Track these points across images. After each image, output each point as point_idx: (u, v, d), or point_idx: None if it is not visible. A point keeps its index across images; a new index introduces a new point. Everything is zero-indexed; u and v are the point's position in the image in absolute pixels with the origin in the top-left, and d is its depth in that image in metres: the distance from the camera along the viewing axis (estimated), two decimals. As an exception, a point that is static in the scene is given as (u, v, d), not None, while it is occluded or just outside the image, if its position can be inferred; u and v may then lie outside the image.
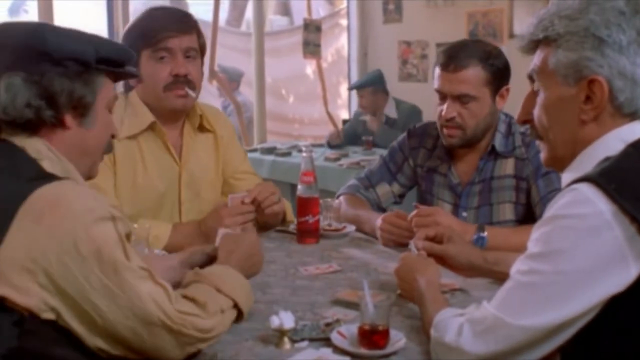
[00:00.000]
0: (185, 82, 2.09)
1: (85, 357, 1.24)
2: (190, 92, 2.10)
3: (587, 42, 1.21)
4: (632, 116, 1.22)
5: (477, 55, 2.12)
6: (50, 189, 1.23)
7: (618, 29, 1.20)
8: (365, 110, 5.43)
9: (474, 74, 2.11)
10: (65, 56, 1.32)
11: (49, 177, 1.26)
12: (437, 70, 2.17)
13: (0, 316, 1.18)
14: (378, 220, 2.13)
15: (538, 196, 2.10)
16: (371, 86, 5.33)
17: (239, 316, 1.40)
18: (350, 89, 5.67)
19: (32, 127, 1.32)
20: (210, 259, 1.61)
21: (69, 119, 1.34)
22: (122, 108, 2.12)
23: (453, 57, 2.12)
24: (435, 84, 2.18)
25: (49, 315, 1.20)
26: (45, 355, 1.21)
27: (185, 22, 2.13)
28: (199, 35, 2.16)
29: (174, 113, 2.15)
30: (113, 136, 1.48)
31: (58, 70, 1.31)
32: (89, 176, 1.43)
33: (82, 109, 1.35)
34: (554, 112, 1.28)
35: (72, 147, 1.36)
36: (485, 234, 1.98)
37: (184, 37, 2.09)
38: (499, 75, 2.14)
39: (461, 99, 2.12)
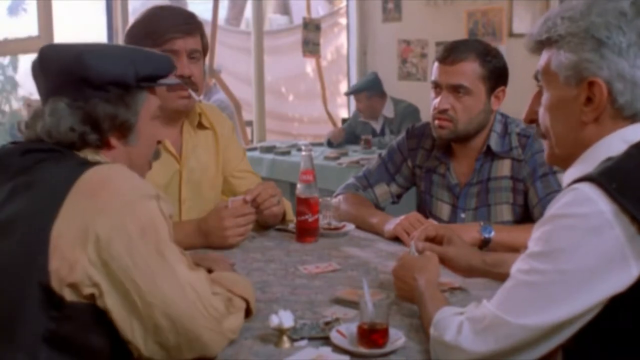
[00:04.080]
0: (188, 83, 2.09)
1: (117, 347, 1.26)
2: (193, 94, 2.11)
3: (587, 43, 1.21)
4: (632, 118, 1.22)
5: (476, 51, 2.14)
6: (101, 169, 1.30)
7: (618, 31, 1.19)
8: (362, 114, 5.43)
9: (470, 68, 2.13)
10: (107, 81, 1.35)
11: (98, 162, 1.33)
12: (435, 64, 2.20)
13: (43, 297, 1.20)
14: (390, 217, 2.17)
15: (536, 198, 2.10)
16: (365, 91, 5.34)
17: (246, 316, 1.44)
18: (346, 94, 5.68)
19: (77, 147, 1.37)
20: None
21: (113, 140, 1.39)
22: None
23: (451, 50, 2.15)
24: (432, 76, 2.21)
25: (91, 290, 1.22)
26: (79, 342, 1.24)
27: (190, 24, 2.12)
28: (202, 35, 2.16)
29: (176, 113, 2.15)
30: (159, 142, 1.53)
31: (100, 95, 1.35)
32: None
33: (125, 131, 1.40)
34: (556, 112, 1.29)
35: (119, 161, 1.40)
36: (488, 226, 2.02)
37: (189, 38, 2.09)
38: (496, 74, 2.15)
39: (456, 90, 2.13)
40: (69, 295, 1.21)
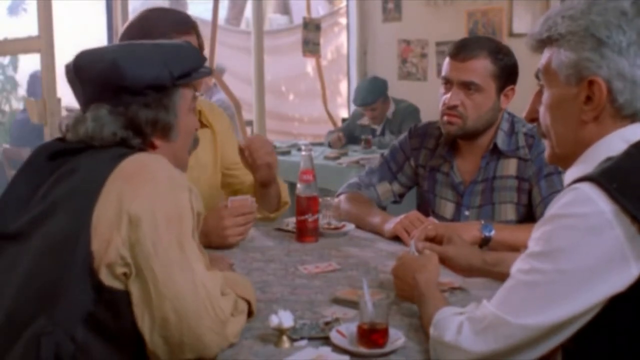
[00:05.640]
0: None
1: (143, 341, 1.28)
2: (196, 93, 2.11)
3: (587, 42, 1.21)
4: (632, 117, 1.22)
5: (488, 48, 2.14)
6: (141, 157, 1.36)
7: (618, 30, 1.19)
8: (374, 120, 5.37)
9: (482, 65, 2.13)
10: (144, 86, 1.39)
11: (139, 150, 1.38)
12: (447, 60, 2.19)
13: (86, 277, 1.25)
14: (390, 217, 2.17)
15: (539, 197, 2.10)
16: (382, 97, 5.28)
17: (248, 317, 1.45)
18: (360, 105, 5.35)
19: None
20: None
21: (156, 141, 1.45)
22: None
23: (463, 47, 2.15)
24: (443, 72, 2.21)
25: (123, 270, 1.25)
26: (114, 326, 1.27)
27: (184, 23, 2.12)
28: (198, 35, 2.16)
29: None
30: (196, 129, 1.57)
31: (139, 100, 1.40)
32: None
33: (167, 131, 1.45)
34: (556, 111, 1.29)
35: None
36: (492, 225, 2.02)
37: (185, 37, 2.08)
38: (507, 72, 2.16)
39: (467, 87, 2.13)
40: (105, 278, 1.25)
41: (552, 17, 1.27)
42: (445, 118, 2.18)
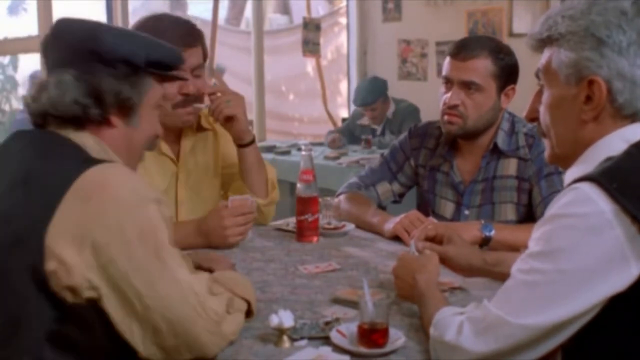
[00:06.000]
0: (194, 99, 2.10)
1: (121, 346, 1.25)
2: (200, 105, 2.12)
3: (587, 42, 1.21)
4: (632, 117, 1.22)
5: (488, 48, 2.14)
6: (99, 170, 1.27)
7: (618, 29, 1.19)
8: (375, 120, 5.37)
9: (483, 65, 2.13)
10: (117, 58, 1.36)
11: (97, 161, 1.30)
12: (447, 59, 2.19)
13: (43, 297, 1.20)
14: (390, 217, 2.16)
15: (540, 197, 2.10)
16: (381, 97, 5.28)
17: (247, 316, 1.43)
18: (360, 105, 5.37)
19: (79, 123, 1.36)
20: None
21: (114, 118, 1.39)
22: None
23: (464, 46, 2.15)
24: (444, 71, 2.20)
25: (90, 294, 1.21)
26: (83, 341, 1.23)
27: (191, 35, 2.10)
28: (203, 45, 2.15)
29: (182, 126, 2.16)
30: (157, 136, 1.52)
31: (108, 71, 1.35)
32: None
33: (128, 110, 1.40)
34: (556, 111, 1.29)
35: (117, 144, 1.40)
36: (488, 224, 2.02)
37: (191, 50, 2.07)
38: (507, 72, 2.15)
39: (467, 86, 2.13)
40: (69, 297, 1.21)
41: (552, 17, 1.27)
42: (446, 117, 2.18)
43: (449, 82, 2.17)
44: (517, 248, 1.71)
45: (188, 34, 2.10)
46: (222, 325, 1.29)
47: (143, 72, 1.41)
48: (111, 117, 1.38)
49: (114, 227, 1.22)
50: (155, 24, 2.09)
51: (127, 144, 1.42)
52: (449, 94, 2.16)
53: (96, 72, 1.35)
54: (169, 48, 1.50)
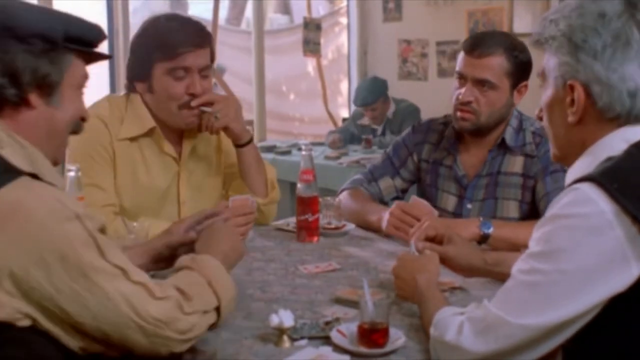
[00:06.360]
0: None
1: (70, 356, 1.22)
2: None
3: (565, 47, 1.23)
4: (618, 120, 1.21)
5: (504, 45, 2.13)
6: (10, 193, 1.17)
7: (594, 33, 1.20)
8: (375, 120, 5.36)
9: (497, 62, 2.12)
10: (32, 33, 1.27)
11: (7, 176, 1.19)
12: (462, 54, 2.18)
13: None
14: (385, 213, 2.14)
15: (543, 190, 2.10)
16: (382, 97, 5.27)
17: (216, 321, 1.35)
18: (360, 105, 5.35)
19: None
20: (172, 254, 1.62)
21: (33, 97, 1.29)
22: (123, 108, 2.13)
23: (480, 43, 2.14)
24: (458, 66, 2.19)
25: (25, 323, 1.17)
26: (31, 358, 1.18)
27: (201, 36, 2.10)
28: (212, 47, 2.15)
29: (185, 127, 2.16)
30: (83, 119, 1.41)
31: (23, 47, 1.26)
32: (55, 160, 1.38)
33: (47, 88, 1.30)
34: (550, 111, 1.30)
35: (38, 127, 1.31)
36: (487, 222, 2.02)
37: (200, 51, 2.07)
38: (521, 69, 2.15)
39: (481, 84, 2.13)
40: (6, 328, 1.16)
41: (544, 19, 1.28)
42: (459, 114, 2.17)
43: (462, 77, 2.17)
44: (517, 246, 1.73)
45: (198, 34, 2.10)
46: (169, 327, 1.23)
47: (62, 48, 1.31)
48: (30, 96, 1.28)
49: (32, 253, 1.15)
50: (166, 23, 2.10)
51: (48, 126, 1.32)
52: (462, 90, 2.15)
53: (10, 48, 1.25)
54: (90, 23, 1.40)
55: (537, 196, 2.13)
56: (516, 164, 2.18)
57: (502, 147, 2.20)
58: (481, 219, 2.04)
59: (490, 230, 2.00)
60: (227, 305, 1.37)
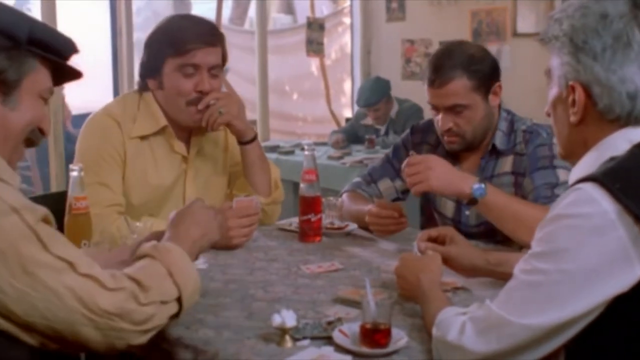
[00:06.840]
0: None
1: (43, 354, 1.21)
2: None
3: (566, 47, 1.23)
4: (617, 122, 1.21)
5: (460, 66, 2.09)
6: None
7: (594, 34, 1.19)
8: (378, 121, 5.36)
9: (460, 85, 2.09)
10: None
11: None
12: (426, 86, 2.16)
13: None
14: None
15: (531, 185, 2.06)
16: (385, 97, 5.27)
17: (178, 312, 1.31)
18: (363, 106, 5.32)
19: None
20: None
21: None
22: (135, 106, 2.15)
23: (437, 72, 2.10)
24: (427, 98, 2.18)
25: None
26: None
27: (212, 35, 2.12)
28: (223, 47, 2.16)
29: (192, 125, 2.16)
30: (42, 132, 1.37)
31: None
32: (8, 163, 1.31)
33: (3, 86, 1.26)
34: (555, 110, 1.31)
35: None
36: (483, 185, 1.92)
37: (211, 49, 2.09)
38: (486, 78, 2.13)
39: (453, 109, 2.12)
40: None
41: (550, 18, 1.29)
42: (446, 138, 2.19)
43: (435, 107, 2.17)
44: (506, 216, 1.85)
45: (210, 33, 2.12)
46: (122, 320, 1.20)
47: (25, 50, 1.27)
48: None
49: None
50: (180, 21, 2.15)
51: (2, 127, 1.27)
52: (439, 117, 2.16)
53: None
54: (60, 34, 1.36)
55: (524, 190, 2.11)
56: (507, 163, 2.18)
57: (494, 152, 2.19)
58: (477, 179, 1.95)
59: (482, 197, 1.91)
60: (189, 295, 1.32)
